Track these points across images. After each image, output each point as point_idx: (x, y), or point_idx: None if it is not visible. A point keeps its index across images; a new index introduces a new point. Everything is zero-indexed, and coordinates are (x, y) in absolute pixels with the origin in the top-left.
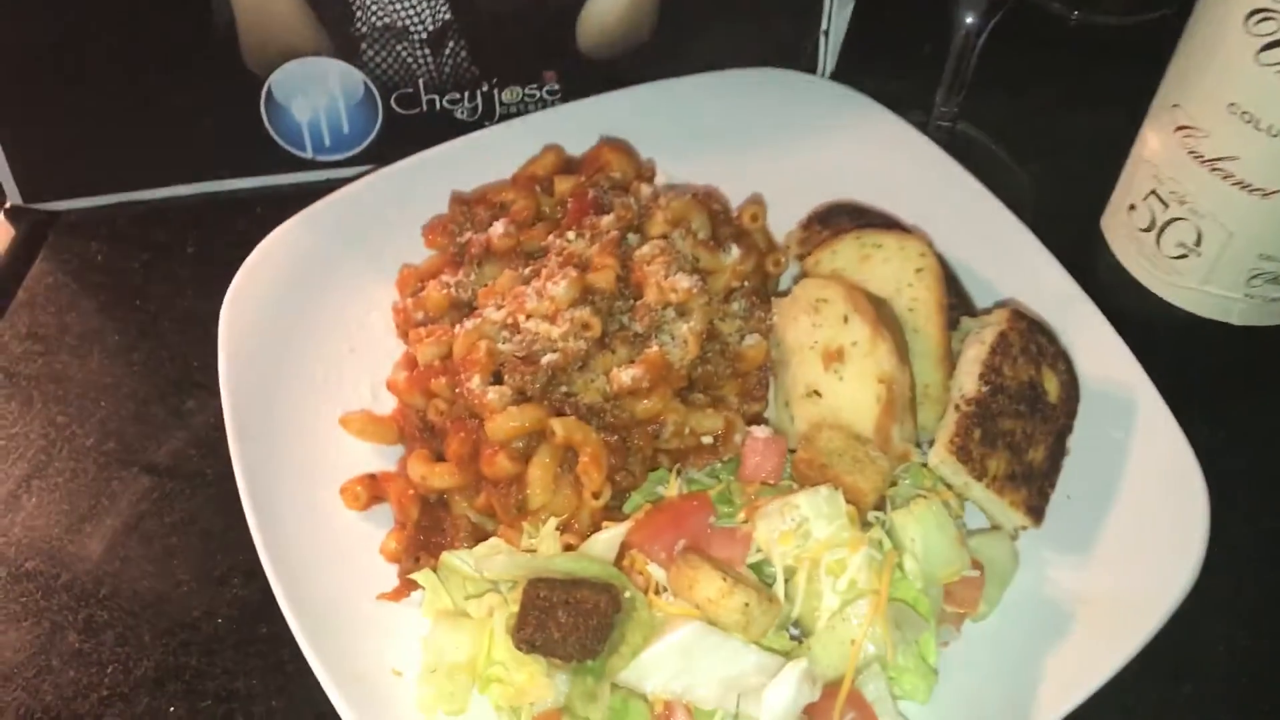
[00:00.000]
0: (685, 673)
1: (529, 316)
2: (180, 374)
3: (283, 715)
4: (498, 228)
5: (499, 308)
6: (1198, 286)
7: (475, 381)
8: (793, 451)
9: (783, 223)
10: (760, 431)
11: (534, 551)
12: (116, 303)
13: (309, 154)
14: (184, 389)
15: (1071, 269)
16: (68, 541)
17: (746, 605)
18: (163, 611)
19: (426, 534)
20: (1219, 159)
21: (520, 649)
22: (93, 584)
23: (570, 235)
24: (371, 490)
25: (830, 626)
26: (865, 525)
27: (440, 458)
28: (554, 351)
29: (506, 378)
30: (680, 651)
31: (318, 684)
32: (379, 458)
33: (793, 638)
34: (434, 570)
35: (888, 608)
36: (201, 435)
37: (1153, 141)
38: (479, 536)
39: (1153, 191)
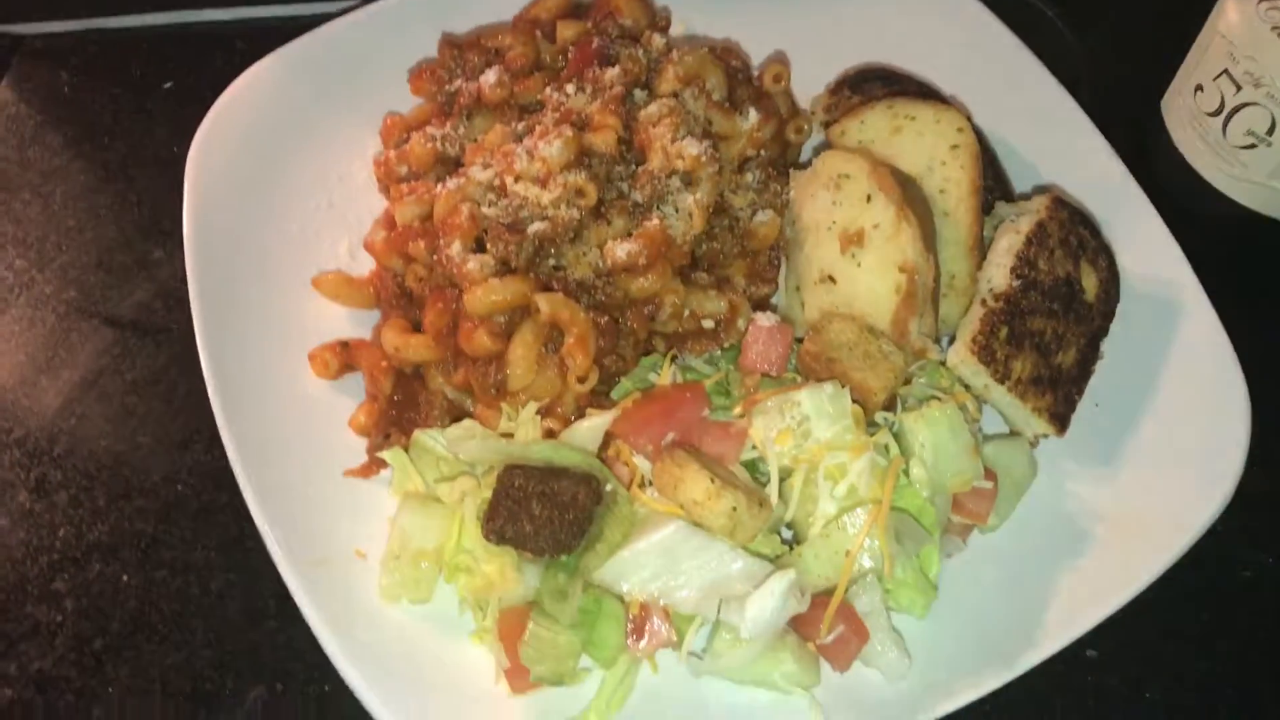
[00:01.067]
0: (665, 574)
1: (518, 179)
2: (149, 221)
3: (240, 591)
4: (490, 76)
5: (486, 167)
6: (1264, 180)
7: (455, 248)
8: (800, 342)
9: (809, 86)
10: (765, 318)
11: (511, 436)
12: (84, 139)
13: None
14: (152, 237)
15: (1125, 155)
16: (22, 395)
17: (734, 509)
18: (119, 474)
19: (399, 409)
20: None
21: (489, 539)
22: (47, 441)
23: (570, 89)
24: (343, 359)
25: (824, 534)
26: (871, 427)
27: (418, 328)
28: (543, 219)
29: (490, 245)
30: (661, 552)
31: None
32: (353, 324)
33: (784, 542)
34: (405, 449)
35: (889, 517)
36: (169, 288)
37: (1231, 13)
38: (455, 415)
39: (1225, 71)
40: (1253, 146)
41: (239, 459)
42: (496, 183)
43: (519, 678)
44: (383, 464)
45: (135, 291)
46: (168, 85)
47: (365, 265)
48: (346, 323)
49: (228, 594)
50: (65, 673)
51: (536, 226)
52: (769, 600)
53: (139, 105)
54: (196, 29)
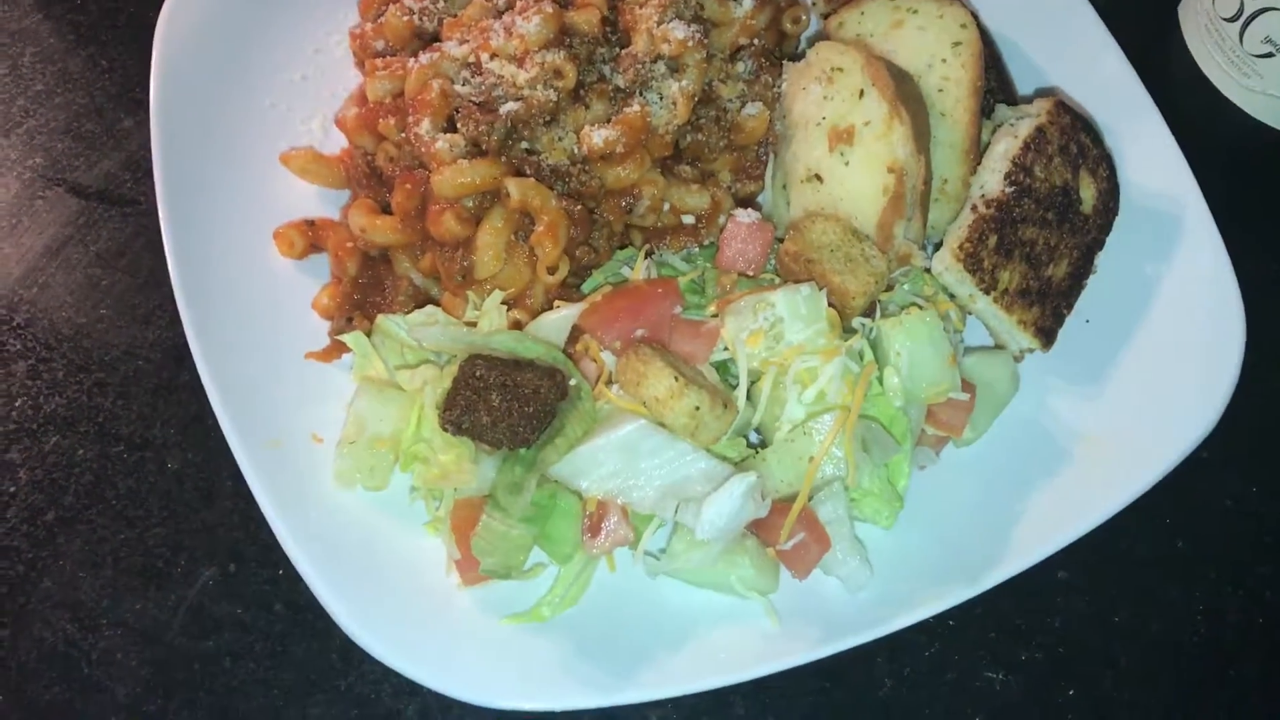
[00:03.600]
0: (624, 473)
1: (493, 56)
2: (119, 88)
3: (197, 470)
4: None
5: (462, 42)
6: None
7: (425, 126)
8: (781, 241)
9: None
10: (744, 215)
11: (475, 325)
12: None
13: None
14: (122, 105)
15: (1136, 61)
16: None
17: (697, 409)
18: (79, 346)
19: (364, 292)
20: None
21: (446, 429)
22: (6, 310)
23: None
24: (309, 238)
25: (789, 439)
26: (848, 333)
27: (387, 210)
28: (517, 100)
29: (460, 125)
30: (621, 449)
31: None
32: (322, 203)
33: (751, 446)
34: (368, 334)
35: (858, 425)
36: (138, 158)
37: None
38: (421, 301)
39: None
40: (1270, 55)
41: (196, 336)
42: (471, 59)
43: (469, 570)
44: (344, 348)
45: (103, 161)
46: None
47: (337, 143)
48: (315, 201)
49: (184, 473)
50: (16, 543)
51: (510, 107)
52: (727, 502)
53: None
54: None
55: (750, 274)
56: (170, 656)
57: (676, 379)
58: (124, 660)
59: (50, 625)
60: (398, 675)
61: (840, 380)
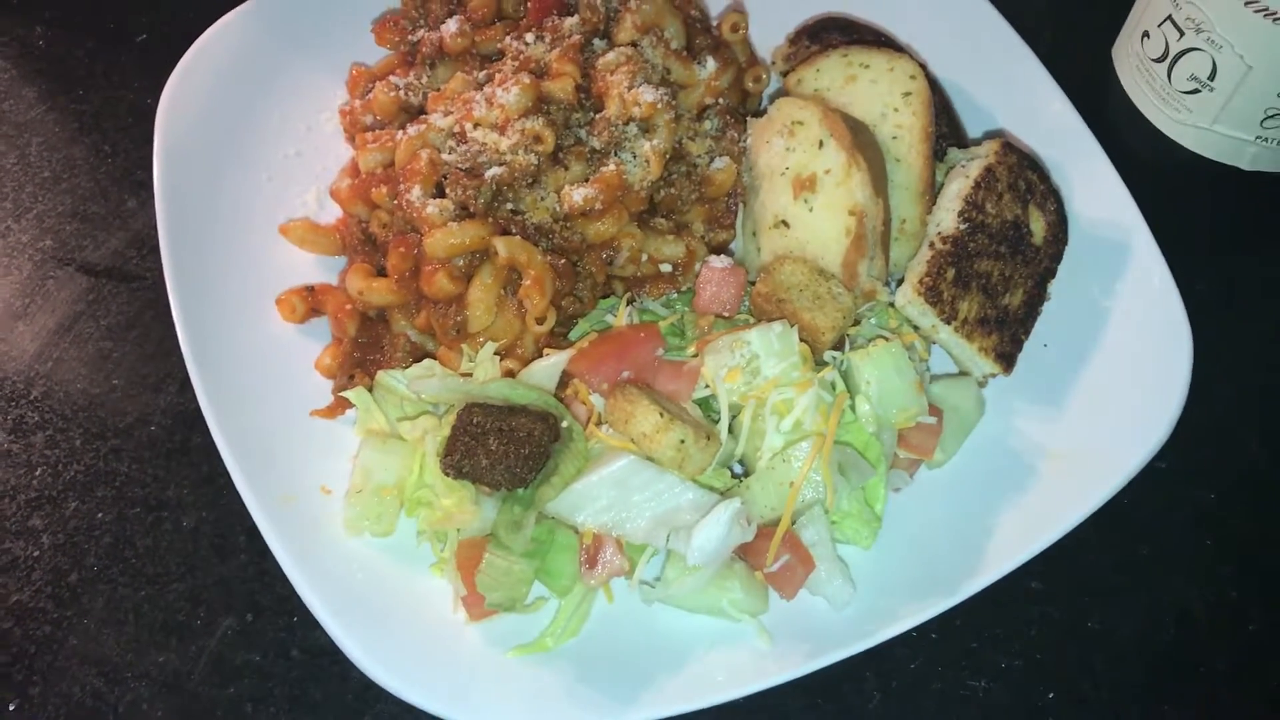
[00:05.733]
0: (617, 506)
1: (477, 125)
2: (122, 171)
3: (211, 527)
4: (451, 25)
5: (447, 114)
6: (1208, 126)
7: (415, 193)
8: (754, 284)
9: (771, 38)
10: (717, 261)
11: (470, 375)
12: (59, 92)
13: None
14: (125, 187)
15: (1077, 101)
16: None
17: (682, 442)
18: (95, 416)
19: (364, 351)
20: None
21: (447, 473)
22: (24, 384)
23: (529, 38)
24: (309, 302)
25: (771, 467)
26: (820, 365)
27: (382, 273)
28: (500, 165)
29: (449, 190)
30: (614, 484)
31: None
32: (320, 270)
33: (735, 476)
34: (369, 389)
35: (834, 451)
36: (143, 236)
37: None
38: (418, 357)
39: (1169, 17)
40: (1196, 91)
41: (208, 401)
42: (456, 129)
43: (475, 605)
44: (347, 404)
45: (110, 240)
46: (141, 38)
47: (332, 214)
48: (313, 269)
49: (199, 530)
50: (42, 604)
51: (494, 171)
52: (715, 528)
53: (113, 58)
54: None
55: (726, 315)
56: (193, 704)
57: (662, 415)
58: (149, 710)
59: (78, 681)
60: (411, 715)
61: (815, 409)
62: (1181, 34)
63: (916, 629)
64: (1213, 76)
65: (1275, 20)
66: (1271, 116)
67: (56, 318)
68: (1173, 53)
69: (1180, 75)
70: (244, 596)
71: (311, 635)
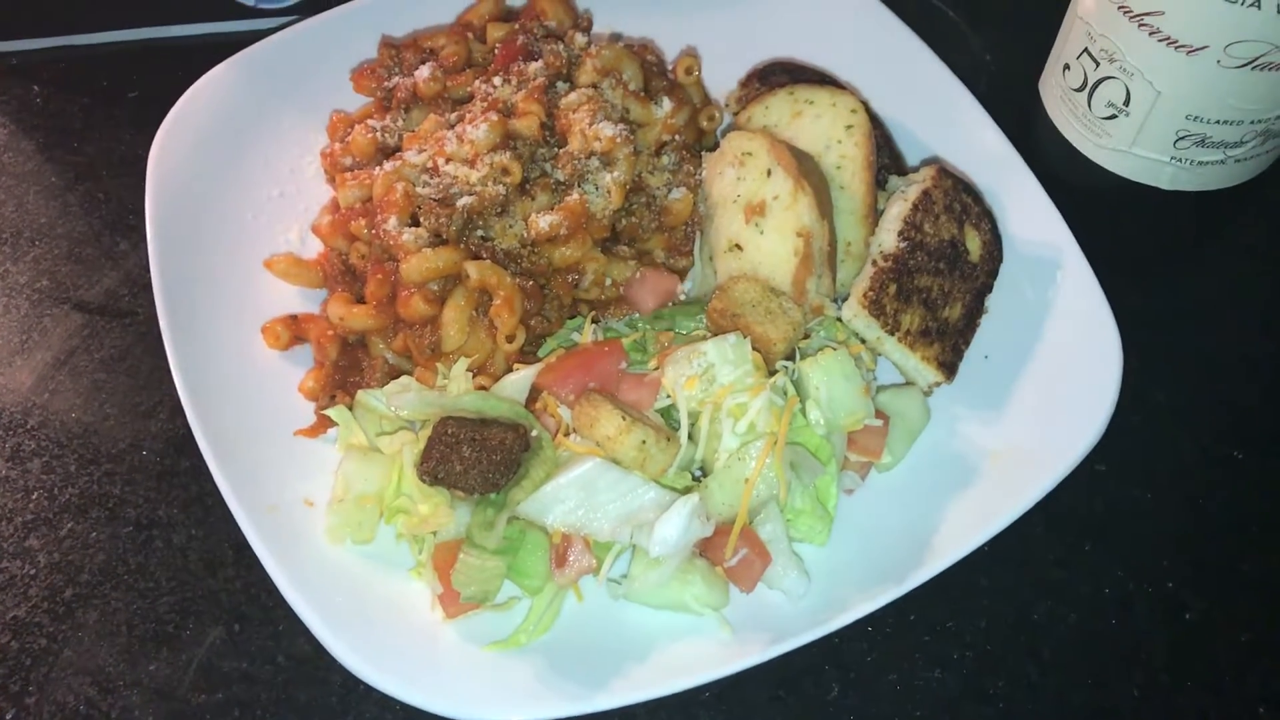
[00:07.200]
0: (584, 506)
1: (449, 160)
2: (115, 216)
3: (200, 544)
4: (423, 72)
5: (421, 151)
6: (1127, 149)
7: (392, 223)
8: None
9: (725, 83)
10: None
11: (445, 391)
12: (55, 145)
13: (252, 1)
14: (118, 230)
15: (1008, 130)
16: None
17: (644, 442)
18: (89, 442)
19: (344, 373)
20: (1146, 13)
21: (424, 480)
22: (21, 414)
23: (497, 81)
24: (292, 330)
25: (727, 466)
26: (773, 373)
27: (361, 301)
28: (471, 195)
29: (423, 220)
30: (580, 486)
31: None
32: (302, 301)
33: (695, 478)
34: (349, 408)
35: (786, 451)
36: (134, 275)
37: None
38: (396, 377)
39: (1085, 50)
40: (1114, 117)
41: (198, 422)
42: (429, 164)
43: (452, 603)
44: (330, 423)
45: (103, 280)
46: (133, 95)
47: (313, 249)
48: (296, 300)
49: (189, 547)
50: (39, 619)
51: (465, 201)
52: (675, 521)
53: (107, 113)
54: (160, 44)
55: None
56: (184, 710)
57: (624, 418)
58: (142, 717)
59: (73, 690)
60: (392, 713)
61: (768, 411)
62: (1097, 64)
63: (872, 625)
64: (1127, 102)
65: (1177, 49)
66: (1183, 138)
67: (53, 352)
68: (1090, 82)
69: (1099, 102)
70: (231, 608)
71: (295, 643)
